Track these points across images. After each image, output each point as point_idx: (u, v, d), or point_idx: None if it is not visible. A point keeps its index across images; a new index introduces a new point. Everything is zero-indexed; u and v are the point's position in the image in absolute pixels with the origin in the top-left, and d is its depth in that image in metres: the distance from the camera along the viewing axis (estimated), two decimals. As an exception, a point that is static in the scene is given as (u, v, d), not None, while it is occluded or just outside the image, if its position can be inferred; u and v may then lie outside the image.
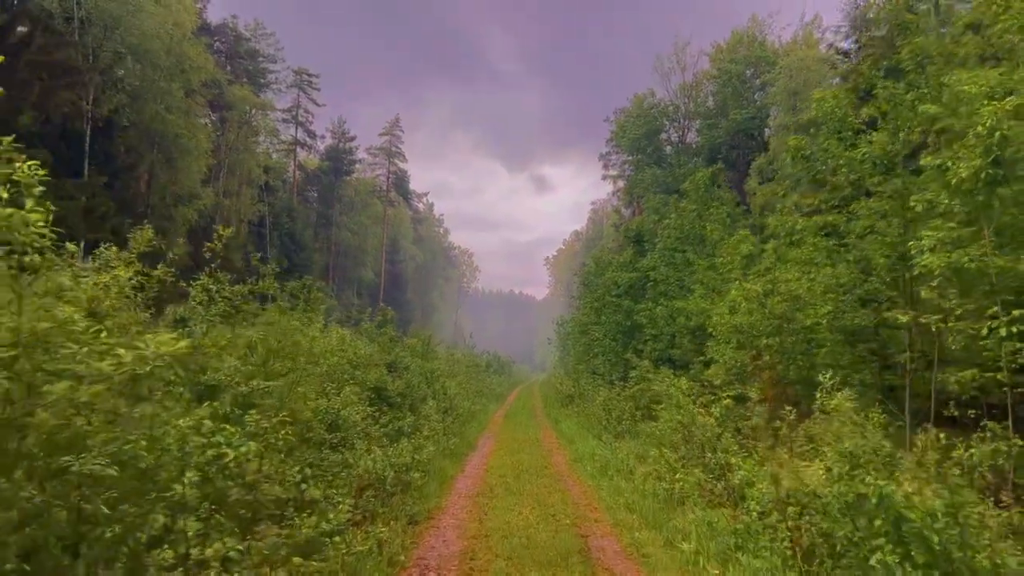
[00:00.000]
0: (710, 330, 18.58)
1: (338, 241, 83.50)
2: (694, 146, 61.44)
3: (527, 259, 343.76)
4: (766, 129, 54.06)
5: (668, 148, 64.43)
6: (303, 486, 6.60)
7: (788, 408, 12.98)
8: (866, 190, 11.62)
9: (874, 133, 11.27)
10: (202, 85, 48.13)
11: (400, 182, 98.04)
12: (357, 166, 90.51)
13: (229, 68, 62.70)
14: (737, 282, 13.57)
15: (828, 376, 6.64)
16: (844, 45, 31.60)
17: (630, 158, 67.94)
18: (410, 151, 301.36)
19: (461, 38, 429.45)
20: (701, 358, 20.30)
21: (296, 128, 78.78)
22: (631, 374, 23.52)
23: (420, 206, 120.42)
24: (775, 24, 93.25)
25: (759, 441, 9.91)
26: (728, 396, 12.10)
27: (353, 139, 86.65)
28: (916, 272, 8.55)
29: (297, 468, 6.86)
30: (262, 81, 69.85)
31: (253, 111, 62.25)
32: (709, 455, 10.09)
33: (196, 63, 45.91)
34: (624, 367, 27.31)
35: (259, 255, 17.58)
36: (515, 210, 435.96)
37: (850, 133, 12.46)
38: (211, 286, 9.93)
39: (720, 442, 10.60)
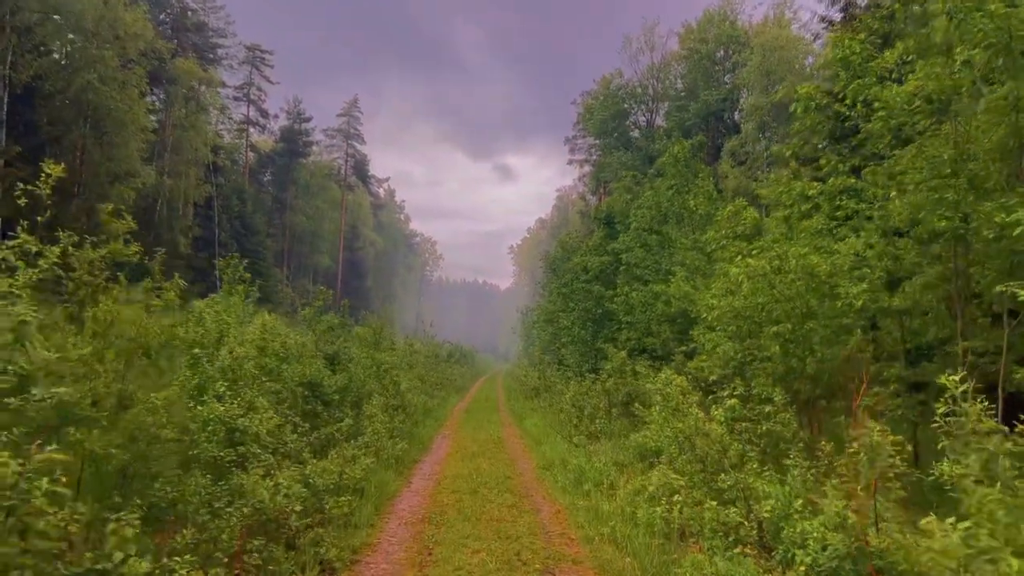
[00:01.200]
0: (696, 316, 16.41)
1: (293, 226, 79.93)
2: (662, 130, 59.42)
3: (491, 249, 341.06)
4: (736, 112, 52.36)
5: (635, 132, 62.38)
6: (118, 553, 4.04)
7: (792, 410, 10.77)
8: (908, 139, 9.39)
9: (915, 68, 8.98)
10: (141, 55, 44.47)
11: (359, 166, 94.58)
12: (314, 148, 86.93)
13: (176, 41, 58.74)
14: (740, 257, 11.28)
15: (951, 376, 4.26)
16: (830, 13, 29.50)
17: (597, 142, 65.85)
18: (371, 140, 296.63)
19: (423, 26, 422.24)
20: (683, 348, 18.08)
21: (248, 107, 75.01)
22: (606, 366, 21.28)
23: (381, 192, 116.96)
24: (747, 2, 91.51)
25: (787, 458, 7.63)
26: (733, 396, 9.78)
27: (309, 120, 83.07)
28: (1018, 232, 6.29)
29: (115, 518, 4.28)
30: (211, 56, 65.98)
31: (201, 87, 58.55)
32: (722, 475, 7.74)
33: (133, 30, 42.38)
34: (595, 358, 25.04)
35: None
36: (479, 200, 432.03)
37: (874, 80, 10.21)
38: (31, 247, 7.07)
39: (728, 456, 8.26)
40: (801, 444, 8.01)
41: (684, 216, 21.81)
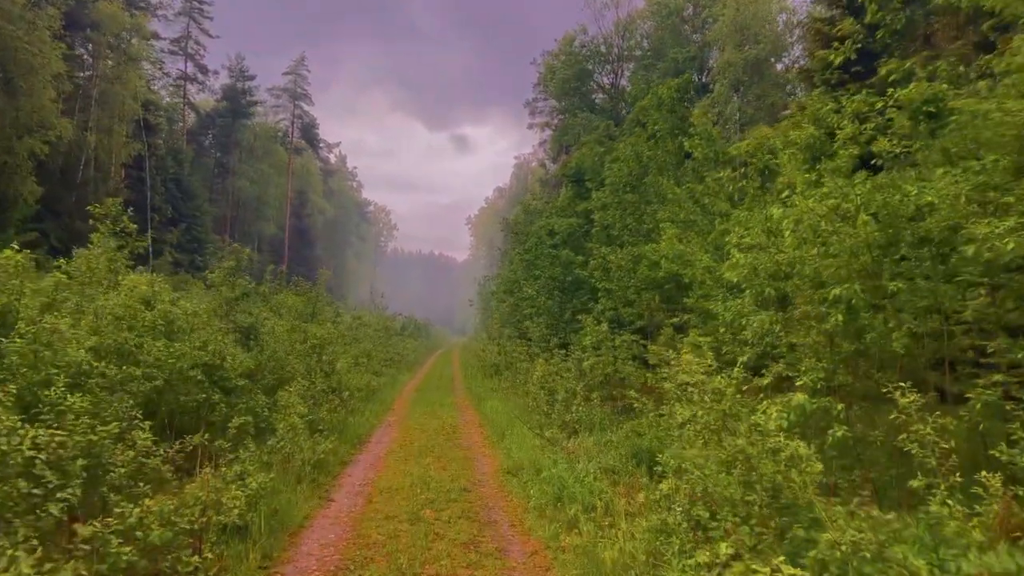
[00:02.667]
0: (691, 280, 13.40)
1: (236, 191, 74.93)
2: (627, 92, 56.28)
3: (447, 221, 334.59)
4: (706, 73, 49.46)
5: (599, 97, 59.00)
6: None
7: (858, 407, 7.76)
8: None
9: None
10: (53, -7, 39.59)
11: (308, 130, 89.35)
12: (259, 109, 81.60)
13: (101, -15, 53.18)
14: (786, 196, 8.20)
15: None
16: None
17: (558, 105, 62.27)
18: (323, 107, 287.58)
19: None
20: (673, 319, 15.05)
21: (185, 62, 69.49)
22: (581, 340, 18.21)
23: (331, 157, 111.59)
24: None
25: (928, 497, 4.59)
26: (792, 387, 6.71)
27: (253, 78, 77.68)
28: None
29: None
30: (142, 4, 60.39)
31: (129, 36, 53.23)
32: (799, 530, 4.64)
33: (41, -38, 37.53)
34: (564, 331, 21.94)
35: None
36: (435, 171, 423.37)
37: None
38: None
39: (806, 490, 5.15)
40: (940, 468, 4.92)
41: (672, 166, 18.71)
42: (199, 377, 10.30)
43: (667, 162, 18.94)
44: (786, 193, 9.64)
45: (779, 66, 42.59)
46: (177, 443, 7.44)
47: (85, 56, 50.69)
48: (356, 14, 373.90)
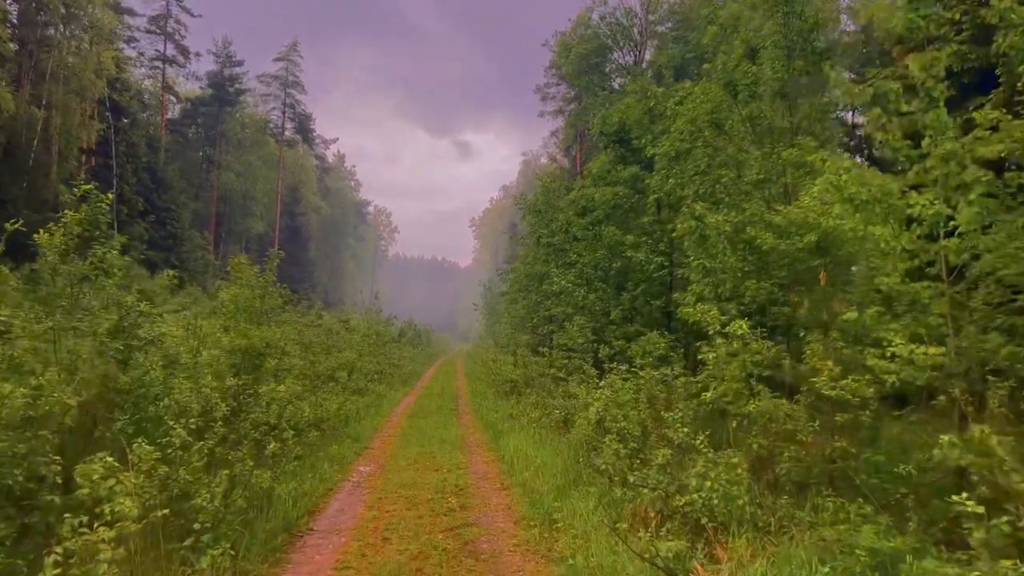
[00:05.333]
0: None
1: (222, 185, 68.60)
2: (651, 70, 50.08)
3: (449, 228, 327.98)
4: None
5: (618, 81, 52.52)
6: None
7: None
8: None
9: None
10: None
11: (302, 123, 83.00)
12: (248, 99, 75.35)
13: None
14: None
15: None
16: None
17: (575, 84, 55.95)
18: (323, 112, 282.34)
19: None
20: (849, 315, 8.63)
21: (164, 43, 63.25)
22: (649, 349, 11.92)
23: (328, 155, 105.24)
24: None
25: None
26: None
27: (240, 63, 71.47)
28: None
29: None
30: (108, -28, 54.17)
31: (87, 2, 46.94)
32: None
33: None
34: (611, 336, 15.63)
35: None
36: (436, 178, 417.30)
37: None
38: None
39: None
40: None
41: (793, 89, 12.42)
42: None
43: (785, 81, 12.63)
44: None
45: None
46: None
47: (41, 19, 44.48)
48: (352, 19, 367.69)
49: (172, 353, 8.95)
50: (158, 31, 62.83)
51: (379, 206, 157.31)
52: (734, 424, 7.81)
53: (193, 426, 6.96)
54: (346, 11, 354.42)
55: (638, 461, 8.40)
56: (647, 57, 52.51)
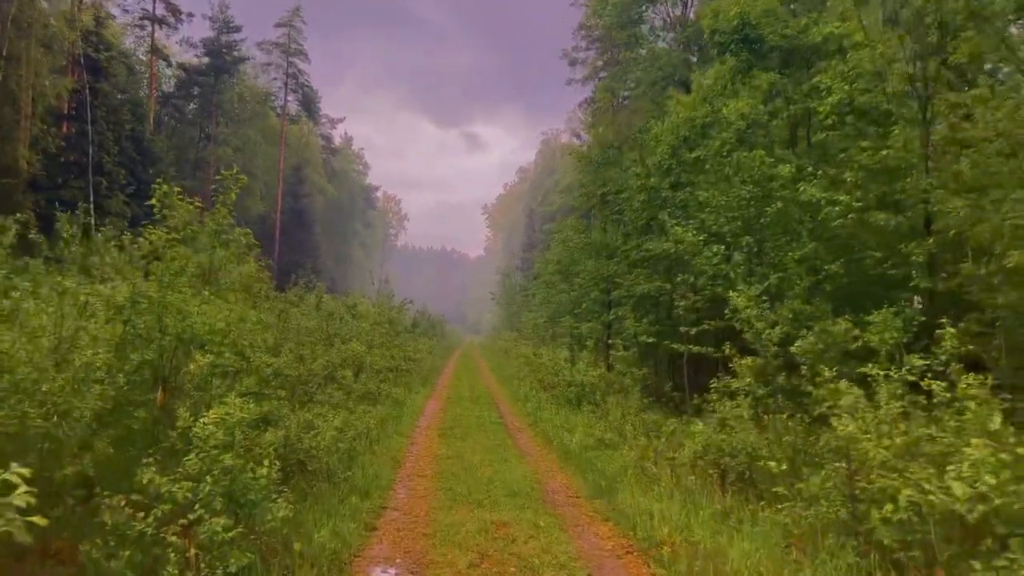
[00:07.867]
0: None
1: (217, 160, 62.58)
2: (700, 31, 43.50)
3: (458, 220, 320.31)
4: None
5: (658, 43, 45.87)
6: None
7: None
8: None
9: None
10: None
11: (307, 99, 76.90)
12: (248, 68, 69.33)
13: None
14: None
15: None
16: None
17: (601, 59, 49.71)
18: (330, 106, 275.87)
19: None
20: None
21: (153, 2, 57.22)
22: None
23: (335, 136, 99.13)
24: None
25: None
26: None
27: (239, 29, 65.43)
28: None
29: None
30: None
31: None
32: None
33: None
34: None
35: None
36: (445, 170, 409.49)
37: None
38: None
39: None
40: None
41: None
42: None
43: None
44: None
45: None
46: None
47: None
48: (360, 11, 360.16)
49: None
50: (146, -11, 56.81)
51: (388, 193, 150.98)
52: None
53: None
54: (353, 3, 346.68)
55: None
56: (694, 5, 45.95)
